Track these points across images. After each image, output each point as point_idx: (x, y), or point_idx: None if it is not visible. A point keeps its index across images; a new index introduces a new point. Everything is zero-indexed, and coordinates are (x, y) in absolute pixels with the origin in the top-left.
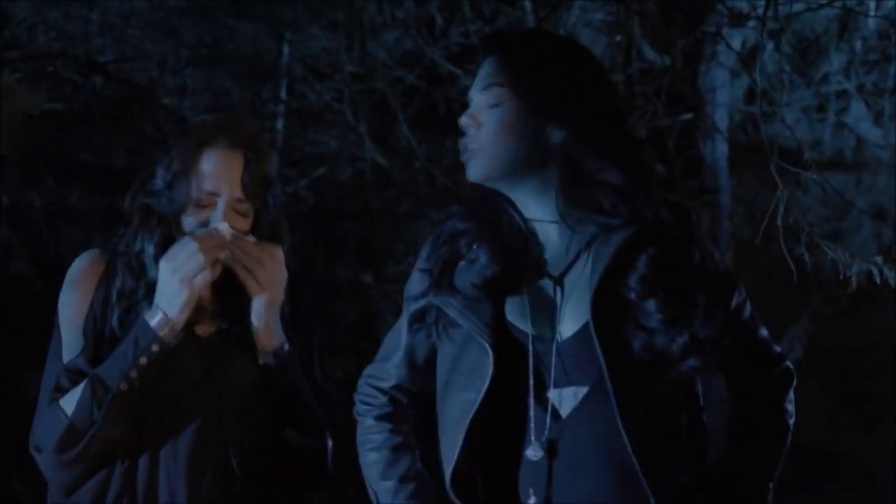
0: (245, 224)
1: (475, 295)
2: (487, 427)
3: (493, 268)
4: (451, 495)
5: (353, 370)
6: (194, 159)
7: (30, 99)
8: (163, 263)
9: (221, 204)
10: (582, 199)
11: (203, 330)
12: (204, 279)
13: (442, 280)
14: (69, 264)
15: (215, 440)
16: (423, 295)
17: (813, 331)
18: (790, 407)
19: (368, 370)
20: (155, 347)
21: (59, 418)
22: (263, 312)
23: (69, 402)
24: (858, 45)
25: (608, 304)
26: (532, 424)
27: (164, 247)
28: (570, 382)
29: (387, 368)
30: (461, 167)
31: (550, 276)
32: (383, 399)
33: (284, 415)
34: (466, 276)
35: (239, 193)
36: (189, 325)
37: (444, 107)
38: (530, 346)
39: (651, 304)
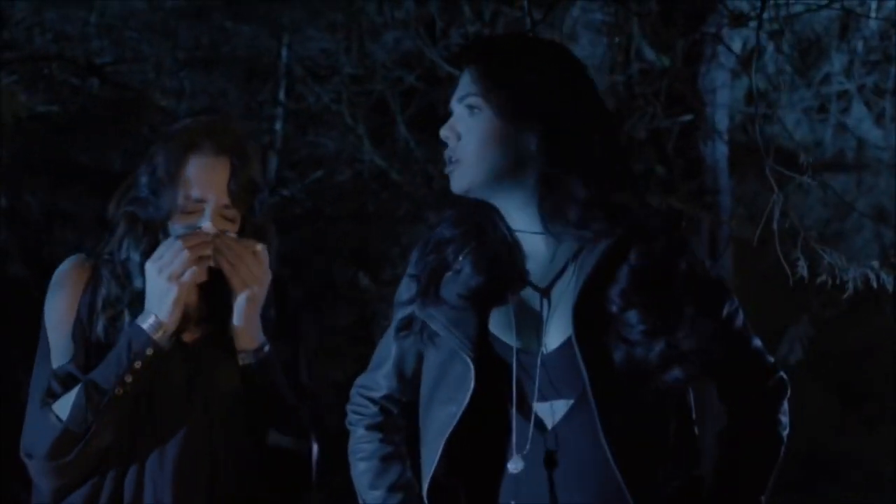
0: (232, 229)
1: (460, 306)
2: (469, 440)
3: (477, 278)
4: None
5: (350, 373)
6: (180, 165)
7: (21, 101)
8: (148, 265)
9: (208, 210)
10: (553, 209)
11: (188, 336)
12: (190, 276)
13: (428, 289)
14: None
15: (202, 447)
16: (411, 302)
17: (814, 332)
18: (784, 418)
19: (360, 380)
20: (149, 351)
21: (53, 423)
22: (244, 311)
23: (62, 407)
24: (859, 45)
25: (591, 316)
26: (514, 437)
27: (150, 255)
28: (557, 395)
29: (377, 378)
30: None
31: (537, 288)
32: (374, 409)
33: (266, 416)
34: (452, 287)
35: (226, 199)
36: (176, 331)
37: (444, 108)
38: (513, 360)
39: (632, 316)
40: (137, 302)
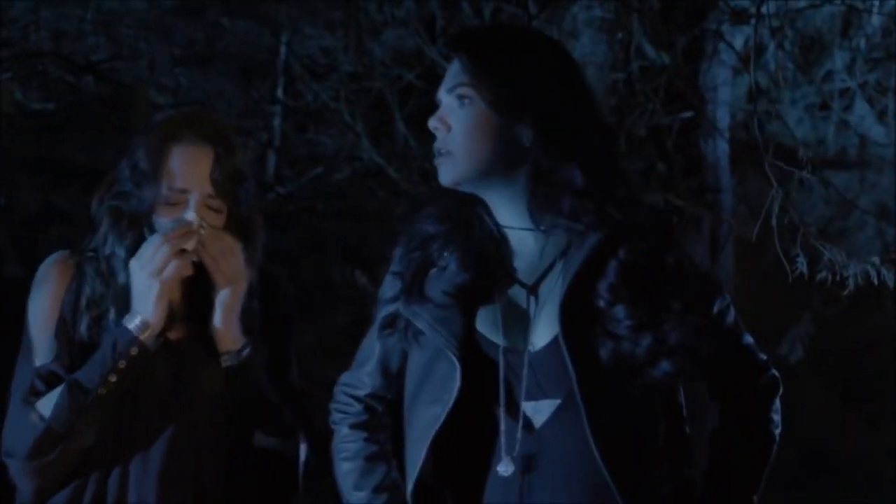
0: (218, 220)
1: (446, 303)
2: (456, 441)
3: (463, 275)
4: None
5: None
6: (162, 157)
7: (16, 99)
8: (131, 263)
9: (193, 201)
10: (545, 201)
11: (173, 334)
12: (173, 271)
13: (413, 287)
14: None
15: (186, 447)
16: (395, 300)
17: (815, 330)
18: (776, 417)
19: (344, 378)
20: (134, 351)
21: (35, 423)
22: (224, 313)
23: (45, 406)
24: (862, 42)
25: (578, 313)
26: (503, 439)
27: (135, 250)
28: (544, 395)
29: (361, 376)
30: None
31: (524, 285)
32: (358, 407)
33: (250, 417)
34: (437, 284)
35: (210, 189)
36: (161, 330)
37: None
38: (500, 359)
39: (620, 311)
40: (122, 299)
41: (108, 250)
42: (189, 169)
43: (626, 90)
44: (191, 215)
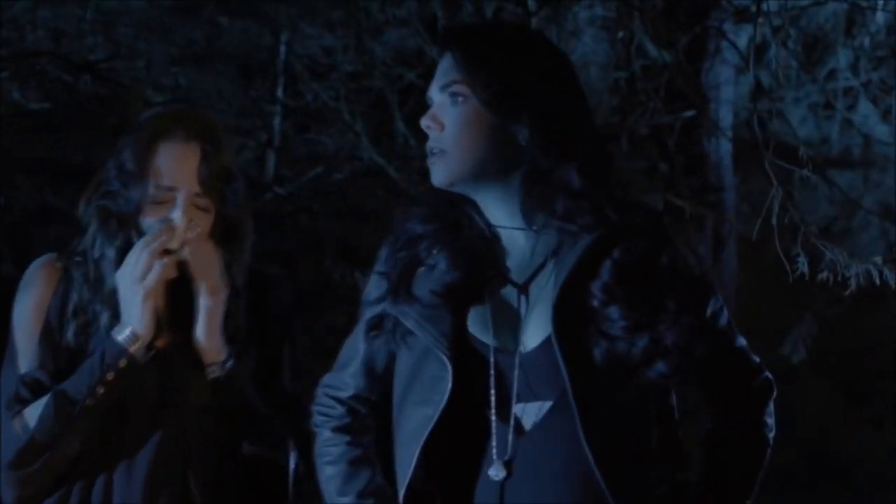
0: (206, 219)
1: (434, 303)
2: (446, 444)
3: (452, 274)
4: None
5: None
6: (149, 154)
7: (13, 99)
8: (118, 273)
9: (180, 199)
10: (539, 201)
11: (160, 342)
12: (157, 274)
13: (399, 287)
14: None
15: (174, 457)
16: (380, 301)
17: (819, 330)
18: (770, 420)
19: (325, 379)
20: (123, 362)
21: (18, 432)
22: (205, 323)
23: (31, 416)
24: (866, 41)
25: (572, 313)
26: (494, 443)
27: (125, 252)
28: (535, 397)
29: (344, 378)
30: None
31: (514, 284)
32: (341, 410)
33: (238, 427)
34: (425, 283)
35: (197, 188)
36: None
37: None
38: (491, 359)
39: (614, 311)
40: (112, 305)
41: (97, 253)
42: (176, 166)
43: (628, 89)
44: (178, 214)
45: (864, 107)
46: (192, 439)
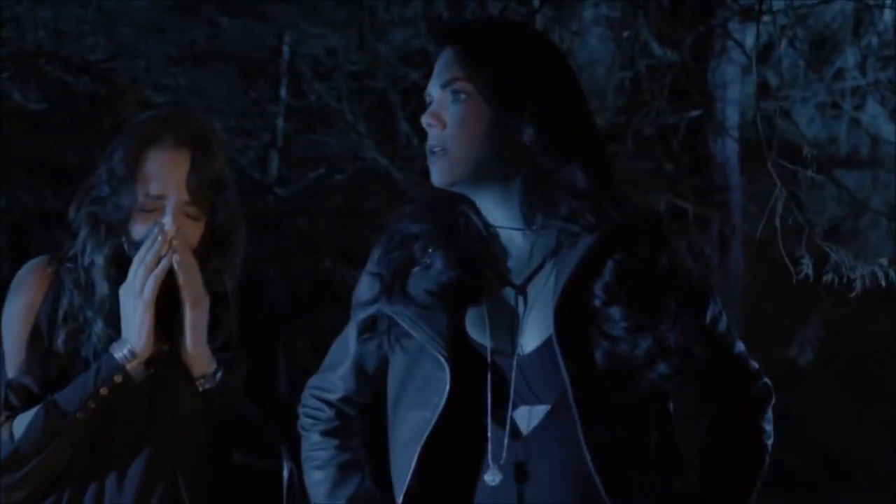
0: (197, 229)
1: (430, 302)
2: (441, 448)
3: (449, 273)
4: None
5: None
6: (138, 161)
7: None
8: (121, 291)
9: (169, 207)
10: (540, 201)
11: (151, 354)
12: (154, 284)
13: (394, 287)
14: None
15: (164, 467)
16: (373, 302)
17: (828, 332)
18: (768, 426)
19: (313, 381)
20: (118, 378)
21: (5, 439)
22: (192, 335)
23: (19, 425)
24: (873, 40)
25: (572, 315)
26: (490, 446)
27: (114, 259)
28: (533, 400)
29: (332, 379)
30: None
31: (512, 285)
32: (330, 412)
33: (230, 438)
34: (420, 283)
35: (186, 196)
36: None
37: None
38: (489, 361)
39: (615, 312)
40: (101, 311)
41: (86, 259)
42: (165, 173)
43: (634, 89)
44: (167, 222)
45: (872, 106)
46: (182, 449)
